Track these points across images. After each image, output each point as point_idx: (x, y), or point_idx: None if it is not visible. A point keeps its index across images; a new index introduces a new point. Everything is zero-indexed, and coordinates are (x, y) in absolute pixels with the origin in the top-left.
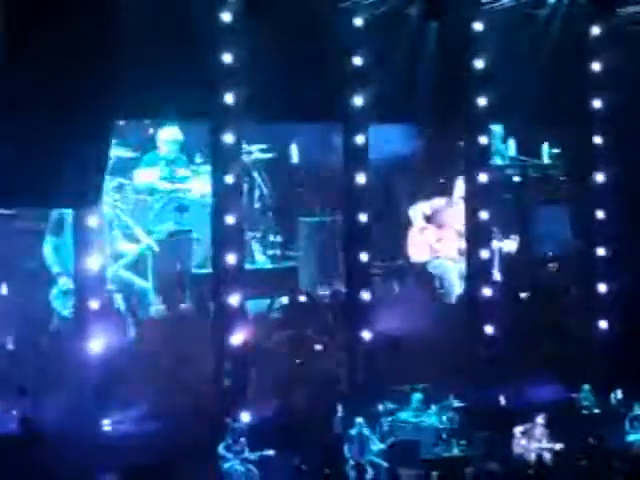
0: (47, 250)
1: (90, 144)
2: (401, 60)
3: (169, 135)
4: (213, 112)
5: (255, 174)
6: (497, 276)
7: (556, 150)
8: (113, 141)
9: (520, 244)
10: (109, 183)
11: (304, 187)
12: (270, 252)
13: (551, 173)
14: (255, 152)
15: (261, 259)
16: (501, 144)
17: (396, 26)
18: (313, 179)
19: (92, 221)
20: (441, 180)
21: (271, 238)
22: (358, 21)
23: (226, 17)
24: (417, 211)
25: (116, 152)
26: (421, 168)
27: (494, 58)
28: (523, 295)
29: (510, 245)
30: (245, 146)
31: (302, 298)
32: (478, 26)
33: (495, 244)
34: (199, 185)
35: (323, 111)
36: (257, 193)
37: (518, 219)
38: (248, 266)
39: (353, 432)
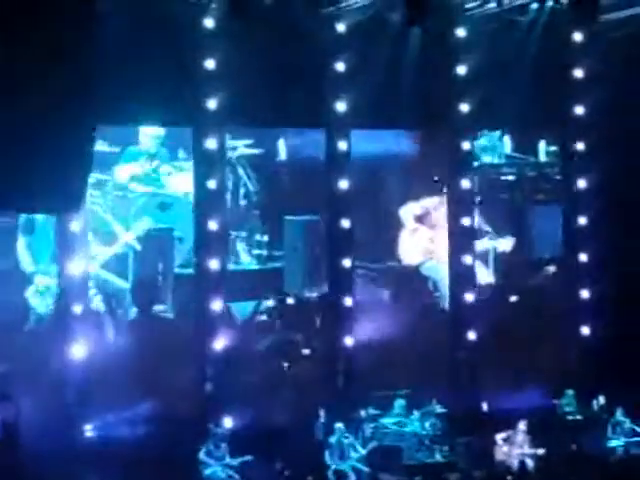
0: (20, 249)
1: (72, 148)
2: (384, 66)
3: (150, 129)
4: (196, 118)
5: (240, 171)
6: (490, 278)
7: (553, 148)
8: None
9: (515, 245)
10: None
11: (291, 184)
12: (256, 252)
13: (548, 172)
14: (240, 147)
15: (246, 259)
16: (496, 141)
17: (379, 32)
18: (301, 176)
19: (74, 225)
20: (435, 178)
21: (257, 237)
22: (341, 27)
23: (209, 23)
24: (407, 212)
25: (95, 147)
26: (412, 168)
27: (476, 64)
28: (513, 298)
29: (504, 244)
30: (230, 142)
31: (289, 300)
32: (461, 32)
33: (487, 243)
34: (182, 182)
35: (306, 117)
36: (242, 191)
37: (513, 219)
38: (233, 267)
39: (334, 438)
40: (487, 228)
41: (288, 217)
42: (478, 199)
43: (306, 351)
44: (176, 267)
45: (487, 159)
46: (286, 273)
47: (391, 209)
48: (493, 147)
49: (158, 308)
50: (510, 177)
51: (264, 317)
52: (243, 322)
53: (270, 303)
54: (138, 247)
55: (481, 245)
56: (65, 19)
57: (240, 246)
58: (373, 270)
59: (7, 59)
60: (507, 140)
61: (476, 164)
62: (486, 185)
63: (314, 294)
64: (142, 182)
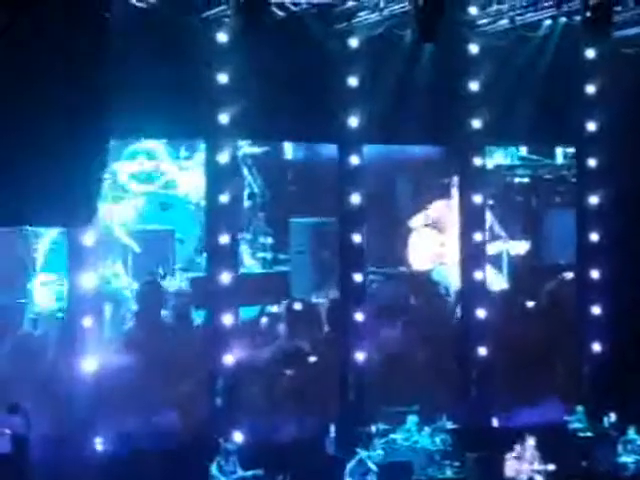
0: (32, 249)
1: (85, 161)
2: (396, 82)
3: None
4: (208, 132)
5: (245, 170)
6: (503, 283)
7: (571, 150)
8: None
9: (530, 249)
10: None
11: (297, 185)
12: (260, 255)
13: (565, 174)
14: (245, 146)
15: (250, 263)
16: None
17: (391, 48)
18: (307, 176)
19: (86, 238)
20: (445, 181)
21: (261, 240)
22: (353, 42)
23: (222, 37)
24: (418, 220)
25: None
26: (422, 171)
27: (488, 80)
28: (528, 305)
29: (518, 248)
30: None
31: (296, 306)
32: (473, 48)
33: (501, 245)
34: (184, 181)
35: (318, 132)
36: (246, 191)
37: (528, 223)
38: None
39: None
40: (500, 231)
41: (294, 219)
42: (490, 202)
43: (312, 359)
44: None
45: (501, 160)
46: (292, 277)
47: (401, 218)
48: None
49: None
50: (525, 179)
51: (269, 323)
52: (250, 328)
53: (275, 309)
54: (137, 249)
55: (494, 248)
56: (78, 34)
57: (244, 249)
58: (379, 274)
59: (21, 72)
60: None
61: (490, 166)
62: (500, 187)
63: (322, 299)
64: (142, 181)
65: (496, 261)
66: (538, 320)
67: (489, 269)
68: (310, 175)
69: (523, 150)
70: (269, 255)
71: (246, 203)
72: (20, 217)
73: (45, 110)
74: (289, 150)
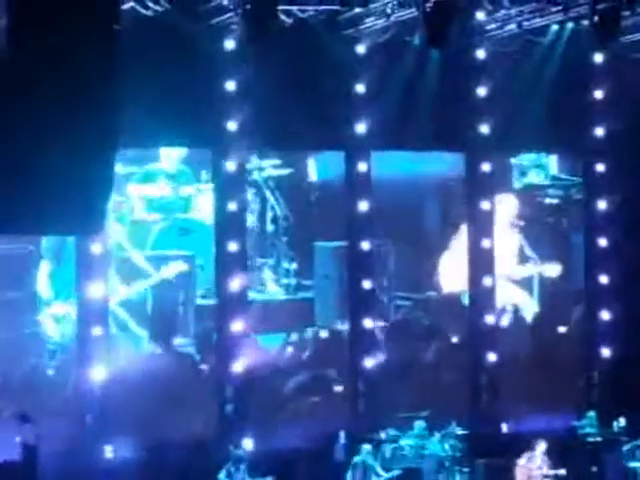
0: (41, 276)
1: (94, 167)
2: (403, 88)
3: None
4: (215, 139)
5: (268, 193)
6: (534, 307)
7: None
8: None
9: (561, 272)
10: None
11: (322, 208)
12: (284, 281)
13: None
14: (268, 168)
15: (274, 289)
16: (542, 160)
17: (399, 53)
18: (332, 199)
19: (95, 248)
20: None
21: (285, 265)
22: (361, 48)
23: (229, 44)
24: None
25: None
26: (450, 190)
27: (496, 86)
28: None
29: (550, 270)
30: (257, 161)
31: (323, 334)
32: (481, 54)
33: (532, 269)
34: (204, 205)
35: (325, 138)
36: (270, 215)
37: (558, 245)
38: (259, 297)
39: (357, 460)
40: (531, 253)
41: (319, 243)
42: (519, 223)
43: (339, 388)
44: (198, 297)
45: (532, 179)
46: (317, 304)
47: (431, 233)
48: (539, 165)
49: (179, 342)
50: (556, 200)
51: (293, 351)
52: (274, 356)
53: (302, 336)
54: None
55: (524, 271)
56: (87, 46)
57: (267, 274)
58: (406, 299)
59: (28, 81)
60: (553, 159)
61: (520, 185)
62: (530, 207)
63: (346, 327)
64: (160, 205)
65: (527, 284)
66: (568, 344)
67: (519, 292)
68: (334, 197)
69: (554, 169)
70: (293, 281)
71: (269, 227)
72: (30, 225)
73: (54, 119)
74: (313, 172)
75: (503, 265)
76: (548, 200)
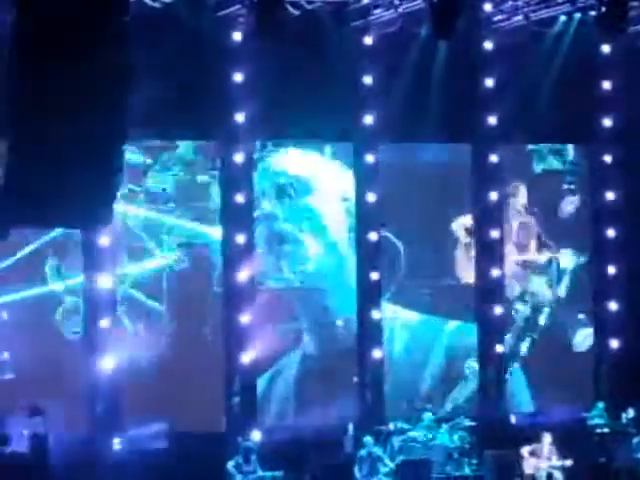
0: (49, 270)
1: (101, 160)
2: (411, 79)
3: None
4: (223, 131)
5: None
6: (560, 292)
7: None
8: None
9: (585, 260)
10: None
11: None
12: (300, 268)
13: None
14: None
15: (290, 276)
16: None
17: (406, 45)
18: None
19: (102, 240)
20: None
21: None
22: (368, 40)
23: (237, 36)
24: (459, 225)
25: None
26: (461, 180)
27: (503, 77)
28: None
29: (568, 258)
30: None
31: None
32: (488, 45)
33: (549, 255)
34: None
35: (333, 131)
36: None
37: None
38: (274, 284)
39: (363, 452)
40: (547, 240)
41: None
42: (534, 209)
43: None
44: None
45: (551, 164)
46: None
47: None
48: (557, 151)
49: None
50: (573, 186)
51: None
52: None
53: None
54: (174, 264)
55: (542, 258)
56: (98, 39)
57: (283, 263)
58: (427, 287)
59: (40, 76)
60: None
61: (538, 171)
62: (547, 194)
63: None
64: (176, 193)
65: (545, 271)
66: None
67: (537, 279)
68: None
69: (571, 152)
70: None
71: None
72: (40, 218)
73: (63, 114)
74: None
75: (521, 252)
76: (566, 186)
